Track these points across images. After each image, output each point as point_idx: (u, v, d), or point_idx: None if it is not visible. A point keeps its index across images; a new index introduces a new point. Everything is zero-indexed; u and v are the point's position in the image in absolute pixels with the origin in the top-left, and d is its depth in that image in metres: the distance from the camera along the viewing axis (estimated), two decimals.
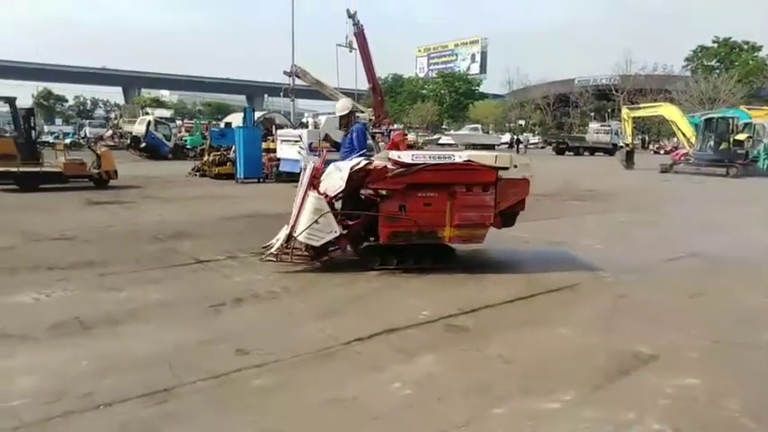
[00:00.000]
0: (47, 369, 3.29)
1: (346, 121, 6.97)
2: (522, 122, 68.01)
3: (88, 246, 6.81)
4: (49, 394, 2.94)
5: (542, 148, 49.54)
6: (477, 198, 5.65)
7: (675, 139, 32.14)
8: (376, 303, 4.72)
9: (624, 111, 26.75)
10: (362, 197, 5.80)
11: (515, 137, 48.75)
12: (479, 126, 56.81)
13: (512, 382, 3.23)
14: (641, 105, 29.77)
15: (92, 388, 3.01)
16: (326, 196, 5.46)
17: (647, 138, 56.28)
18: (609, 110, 60.70)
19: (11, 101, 13.39)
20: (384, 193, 5.62)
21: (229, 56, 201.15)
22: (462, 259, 6.38)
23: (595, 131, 44.98)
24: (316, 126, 24.15)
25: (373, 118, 33.82)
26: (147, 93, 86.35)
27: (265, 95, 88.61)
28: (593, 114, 62.60)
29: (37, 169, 12.66)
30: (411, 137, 44.68)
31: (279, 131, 17.56)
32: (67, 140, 26.52)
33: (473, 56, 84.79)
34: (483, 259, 6.45)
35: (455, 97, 76.76)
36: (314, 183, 5.58)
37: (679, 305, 4.89)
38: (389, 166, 5.45)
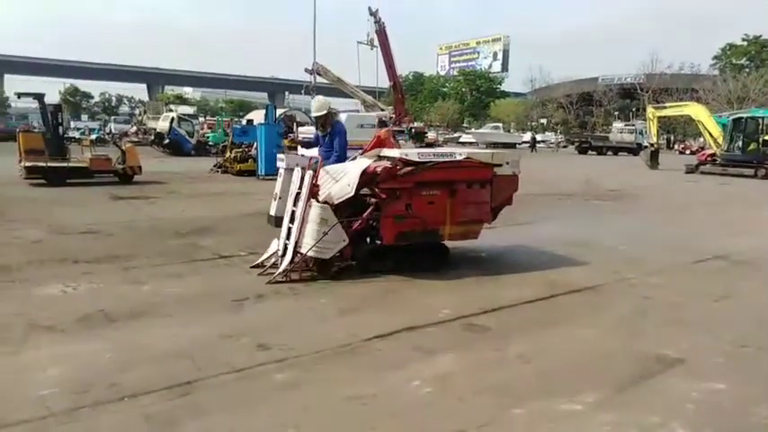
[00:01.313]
0: (74, 360, 3.36)
1: (323, 121, 6.56)
2: (544, 121, 67.28)
3: (113, 240, 6.94)
4: (76, 385, 3.00)
5: (564, 147, 48.85)
6: (476, 194, 5.72)
7: (702, 139, 31.51)
8: (396, 301, 4.72)
9: (649, 110, 26.28)
10: (361, 198, 5.54)
11: (534, 136, 48.11)
12: (501, 125, 56.41)
13: (532, 383, 3.20)
14: (667, 105, 29.23)
15: (117, 379, 3.07)
16: (327, 203, 5.21)
17: (672, 138, 55.26)
18: (633, 109, 59.75)
19: (40, 97, 13.67)
20: (382, 192, 5.35)
21: (251, 53, 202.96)
22: (482, 259, 6.36)
23: (619, 131, 44.33)
24: None
25: (394, 116, 33.77)
26: (171, 90, 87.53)
27: (286, 93, 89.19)
28: (617, 113, 61.64)
29: (64, 164, 12.94)
30: (432, 135, 44.64)
31: (300, 129, 17.66)
32: (93, 136, 27.01)
33: (495, 54, 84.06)
34: (503, 259, 6.40)
35: (476, 95, 76.26)
36: (314, 191, 5.29)
37: (705, 308, 4.79)
38: (398, 164, 5.30)
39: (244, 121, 28.13)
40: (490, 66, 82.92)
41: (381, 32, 35.07)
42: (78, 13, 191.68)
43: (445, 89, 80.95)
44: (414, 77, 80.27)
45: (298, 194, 5.42)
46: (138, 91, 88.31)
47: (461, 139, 47.89)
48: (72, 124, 43.46)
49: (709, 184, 17.75)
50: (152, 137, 30.19)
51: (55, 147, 13.02)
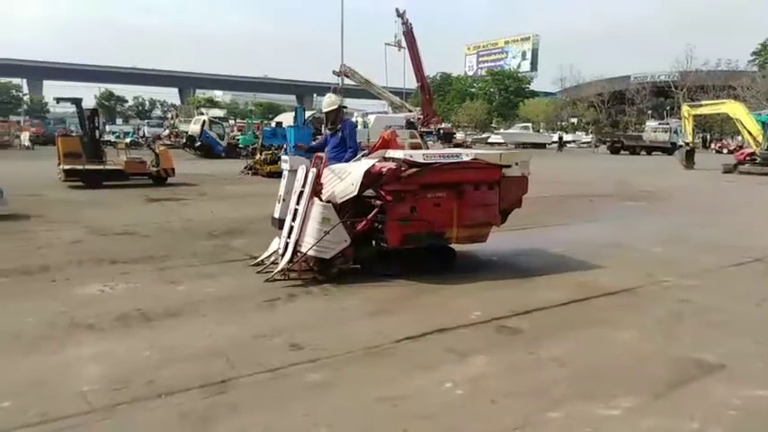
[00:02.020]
0: (113, 358, 3.45)
1: (334, 117, 6.54)
2: (575, 121, 66.18)
3: (148, 240, 7.10)
4: (115, 381, 3.08)
5: (596, 146, 47.77)
6: (484, 196, 5.60)
7: (740, 138, 30.56)
8: (426, 303, 4.70)
9: (685, 108, 25.62)
10: (365, 200, 5.45)
11: (561, 136, 47.27)
12: (530, 125, 55.79)
13: (567, 387, 3.15)
14: (703, 102, 28.44)
15: (154, 377, 3.14)
16: (330, 203, 5.16)
17: (708, 136, 53.75)
18: (667, 107, 58.34)
19: (77, 102, 14.08)
20: (387, 194, 5.22)
21: (280, 56, 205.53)
22: (512, 262, 6.30)
23: (653, 130, 43.38)
24: (365, 125, 24.26)
25: (422, 117, 33.68)
26: (202, 93, 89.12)
27: (315, 95, 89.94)
28: (650, 112, 60.28)
29: (101, 167, 13.29)
30: (460, 136, 44.40)
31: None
32: (128, 140, 27.71)
33: (524, 53, 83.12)
34: (534, 261, 6.32)
35: (505, 95, 75.50)
36: (317, 189, 5.26)
37: (745, 312, 4.64)
38: (403, 165, 5.21)
39: (273, 124, 28.47)
40: (519, 65, 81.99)
41: (409, 33, 35.09)
42: (110, 18, 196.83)
43: (473, 89, 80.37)
44: (441, 78, 79.92)
45: (301, 193, 5.36)
46: (171, 95, 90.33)
47: (490, 140, 47.50)
48: (107, 128, 44.60)
49: (749, 184, 17.20)
50: (184, 140, 30.78)
51: (92, 150, 13.38)
